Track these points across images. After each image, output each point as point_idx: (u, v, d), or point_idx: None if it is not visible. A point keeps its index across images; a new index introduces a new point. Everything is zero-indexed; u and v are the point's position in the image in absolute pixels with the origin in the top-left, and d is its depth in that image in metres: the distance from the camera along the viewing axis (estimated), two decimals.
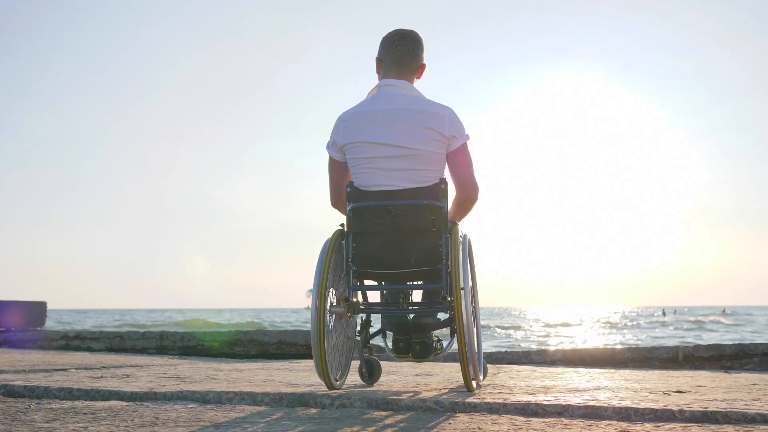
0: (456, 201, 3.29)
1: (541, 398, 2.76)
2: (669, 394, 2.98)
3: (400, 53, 3.28)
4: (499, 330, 31.84)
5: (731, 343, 5.64)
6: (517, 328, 34.11)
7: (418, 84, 3.39)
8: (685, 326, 36.37)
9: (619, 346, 5.96)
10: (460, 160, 3.22)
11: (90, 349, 7.13)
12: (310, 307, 3.07)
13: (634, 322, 43.17)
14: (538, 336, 28.18)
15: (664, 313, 63.03)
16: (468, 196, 3.27)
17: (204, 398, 2.96)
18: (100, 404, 2.88)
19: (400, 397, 2.77)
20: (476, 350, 3.22)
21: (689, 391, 3.11)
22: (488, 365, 4.96)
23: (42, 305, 10.43)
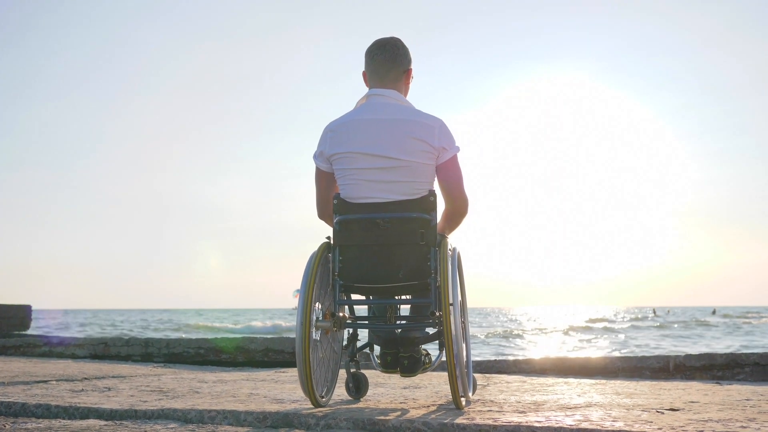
0: (445, 214, 3.22)
1: (532, 418, 2.69)
2: (662, 413, 2.91)
3: (380, 62, 3.21)
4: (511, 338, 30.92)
5: (723, 352, 5.60)
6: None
7: (410, 90, 3.32)
8: (675, 327, 36.46)
9: (609, 355, 5.90)
10: (449, 172, 3.14)
11: (74, 356, 7.02)
12: (297, 308, 3.00)
13: (627, 324, 43.25)
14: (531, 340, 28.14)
15: (655, 313, 63.21)
16: (457, 210, 3.20)
17: (185, 417, 2.87)
18: (77, 423, 2.79)
19: (387, 418, 2.70)
20: (465, 366, 3.15)
21: (683, 409, 3.05)
22: (477, 375, 4.90)
23: (26, 308, 10.26)
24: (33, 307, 10.54)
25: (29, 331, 10.44)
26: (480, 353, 18.05)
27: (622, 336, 29.27)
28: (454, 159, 3.14)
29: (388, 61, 3.21)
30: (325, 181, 3.25)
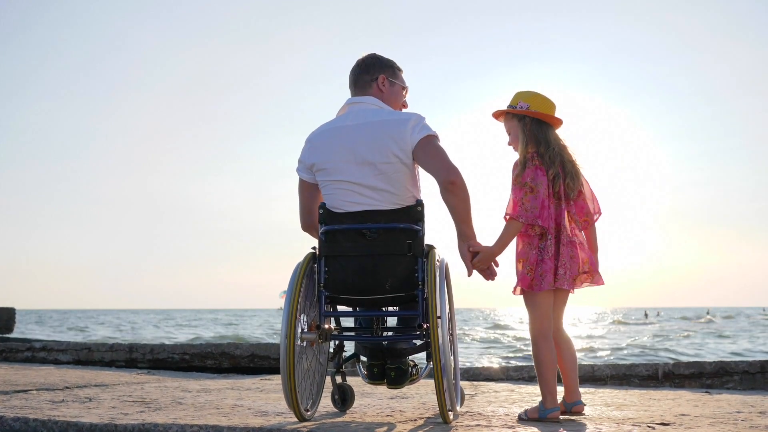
0: (448, 201, 2.99)
1: None
2: (653, 428, 2.86)
3: (356, 75, 3.25)
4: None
5: (712, 360, 5.56)
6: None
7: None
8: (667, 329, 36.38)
9: (598, 362, 5.86)
10: (426, 149, 2.99)
11: (56, 362, 6.91)
12: (283, 308, 2.94)
13: (616, 327, 43.20)
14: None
15: (646, 315, 63.31)
16: (449, 181, 2.95)
17: None
18: None
19: None
20: (453, 379, 3.09)
21: (673, 423, 3.00)
22: (465, 383, 4.84)
23: (10, 311, 10.10)
24: (17, 308, 10.40)
25: (13, 334, 10.29)
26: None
27: (610, 339, 28.91)
28: (430, 138, 3.00)
29: (363, 72, 3.23)
30: (307, 192, 3.19)
